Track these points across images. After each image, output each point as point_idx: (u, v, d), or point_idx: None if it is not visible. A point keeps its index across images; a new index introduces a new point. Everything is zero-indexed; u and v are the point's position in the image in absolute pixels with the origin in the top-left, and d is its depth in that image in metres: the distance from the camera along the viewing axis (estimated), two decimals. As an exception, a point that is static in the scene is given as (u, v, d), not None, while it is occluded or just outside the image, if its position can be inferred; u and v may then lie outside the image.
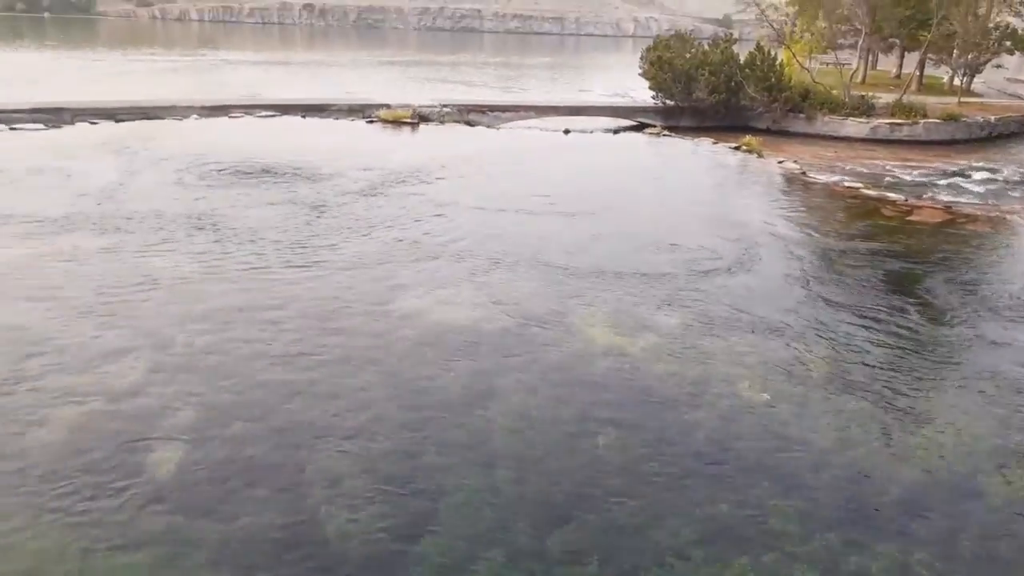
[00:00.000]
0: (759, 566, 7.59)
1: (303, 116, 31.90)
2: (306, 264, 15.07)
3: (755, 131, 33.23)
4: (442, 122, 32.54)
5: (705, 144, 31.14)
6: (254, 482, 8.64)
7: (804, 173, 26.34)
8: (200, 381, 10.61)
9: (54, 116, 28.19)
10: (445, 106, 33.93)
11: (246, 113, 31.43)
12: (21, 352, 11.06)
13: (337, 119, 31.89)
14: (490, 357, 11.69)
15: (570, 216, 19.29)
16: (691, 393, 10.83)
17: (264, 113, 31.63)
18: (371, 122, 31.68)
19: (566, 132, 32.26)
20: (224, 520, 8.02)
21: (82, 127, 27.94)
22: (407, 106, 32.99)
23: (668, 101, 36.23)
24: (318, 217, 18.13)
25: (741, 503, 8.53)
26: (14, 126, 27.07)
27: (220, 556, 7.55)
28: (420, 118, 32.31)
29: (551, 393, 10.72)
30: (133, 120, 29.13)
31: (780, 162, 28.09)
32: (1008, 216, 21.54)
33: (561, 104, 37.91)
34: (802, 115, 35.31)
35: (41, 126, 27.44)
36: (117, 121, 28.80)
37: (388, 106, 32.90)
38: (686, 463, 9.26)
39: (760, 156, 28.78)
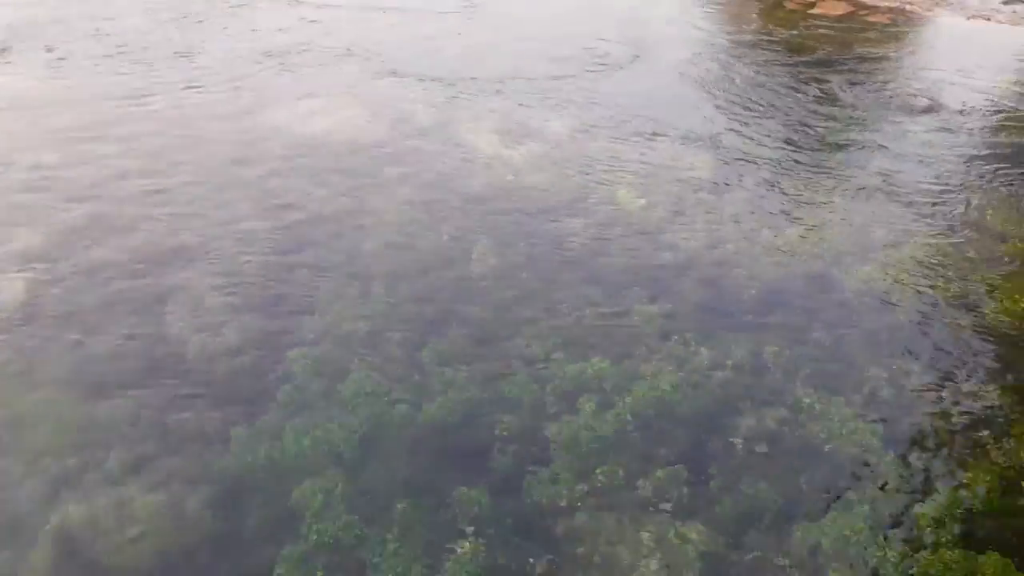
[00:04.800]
0: (618, 365, 7.89)
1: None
2: (165, 77, 13.86)
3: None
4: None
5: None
6: (112, 305, 8.35)
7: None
8: (51, 201, 9.94)
9: None
10: None
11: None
12: None
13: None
14: (366, 171, 11.27)
15: (456, 14, 18.08)
16: (570, 201, 10.76)
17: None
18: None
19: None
20: (79, 343, 7.79)
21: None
22: None
23: None
24: (179, 26, 16.49)
25: (607, 307, 8.74)
26: None
27: (76, 377, 7.39)
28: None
29: (429, 207, 10.49)
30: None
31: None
32: (907, 7, 21.31)
33: None
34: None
35: None
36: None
37: None
38: (558, 273, 9.32)
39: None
